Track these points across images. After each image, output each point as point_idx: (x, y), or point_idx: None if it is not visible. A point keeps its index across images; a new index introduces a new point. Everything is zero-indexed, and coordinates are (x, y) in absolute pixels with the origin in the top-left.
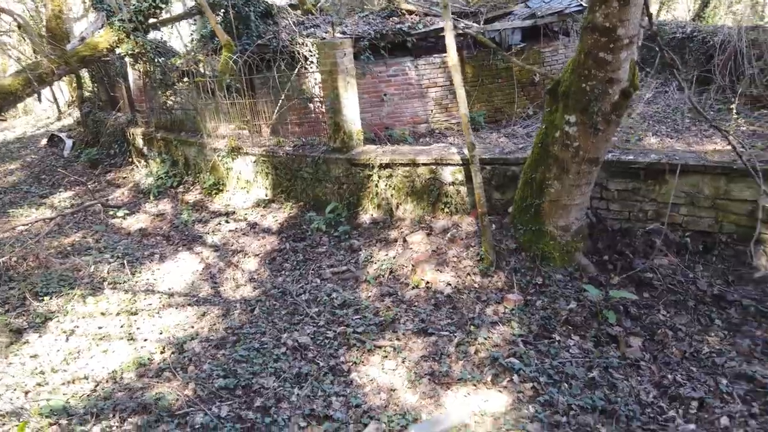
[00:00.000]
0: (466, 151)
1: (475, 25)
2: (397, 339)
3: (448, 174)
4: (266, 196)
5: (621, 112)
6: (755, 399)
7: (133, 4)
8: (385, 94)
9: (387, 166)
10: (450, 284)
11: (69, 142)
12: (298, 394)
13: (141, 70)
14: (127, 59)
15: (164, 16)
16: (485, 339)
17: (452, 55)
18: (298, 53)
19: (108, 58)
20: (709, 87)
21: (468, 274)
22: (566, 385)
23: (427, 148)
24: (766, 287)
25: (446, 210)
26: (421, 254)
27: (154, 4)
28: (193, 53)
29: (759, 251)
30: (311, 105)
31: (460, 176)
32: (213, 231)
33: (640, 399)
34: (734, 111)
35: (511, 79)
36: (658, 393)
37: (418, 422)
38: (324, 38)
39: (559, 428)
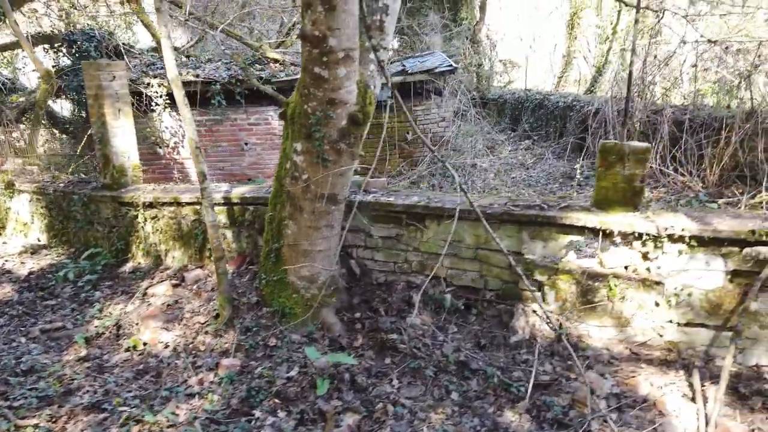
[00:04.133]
0: (239, 189)
1: None
2: (57, 416)
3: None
4: (39, 240)
5: (352, 141)
6: None
7: None
8: (246, 143)
9: (152, 205)
10: (169, 346)
11: None
12: None
13: None
14: None
15: None
16: (166, 417)
17: (170, 68)
18: (144, 94)
19: None
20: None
21: (197, 332)
22: None
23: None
24: (517, 353)
25: (212, 257)
26: (154, 309)
27: None
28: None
29: (518, 311)
30: (160, 150)
31: (224, 218)
32: None
33: None
34: (579, 168)
35: (380, 136)
36: None
37: None
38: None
39: None
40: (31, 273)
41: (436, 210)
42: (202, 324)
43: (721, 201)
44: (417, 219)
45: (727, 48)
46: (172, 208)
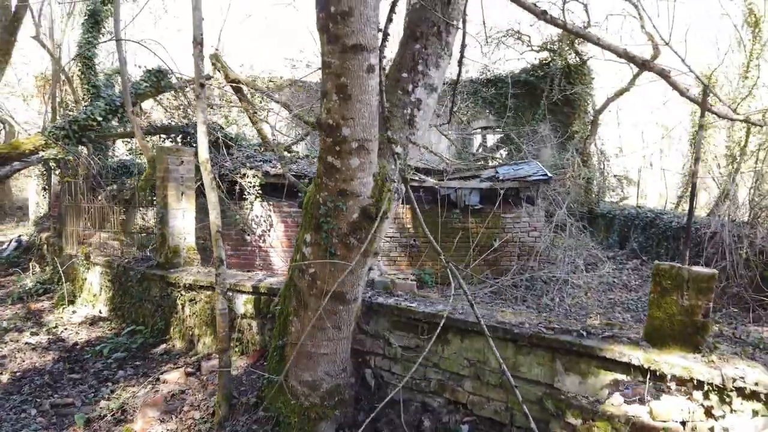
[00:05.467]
0: (270, 279)
1: (429, 179)
2: None
3: (241, 304)
4: (101, 312)
5: (363, 236)
6: None
7: (71, 114)
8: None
9: (191, 288)
10: None
11: (13, 245)
12: None
13: (60, 176)
14: (51, 164)
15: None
16: None
17: (201, 152)
18: (240, 183)
19: (28, 160)
20: None
21: (189, 429)
22: None
23: (244, 273)
24: None
25: (238, 348)
26: (158, 397)
27: (91, 117)
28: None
29: None
30: (248, 237)
31: (251, 308)
32: None
33: None
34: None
35: (467, 239)
36: None
37: None
38: (267, 171)
39: None
40: (76, 344)
41: (458, 322)
42: (196, 420)
43: None
44: (439, 331)
45: None
46: (208, 293)
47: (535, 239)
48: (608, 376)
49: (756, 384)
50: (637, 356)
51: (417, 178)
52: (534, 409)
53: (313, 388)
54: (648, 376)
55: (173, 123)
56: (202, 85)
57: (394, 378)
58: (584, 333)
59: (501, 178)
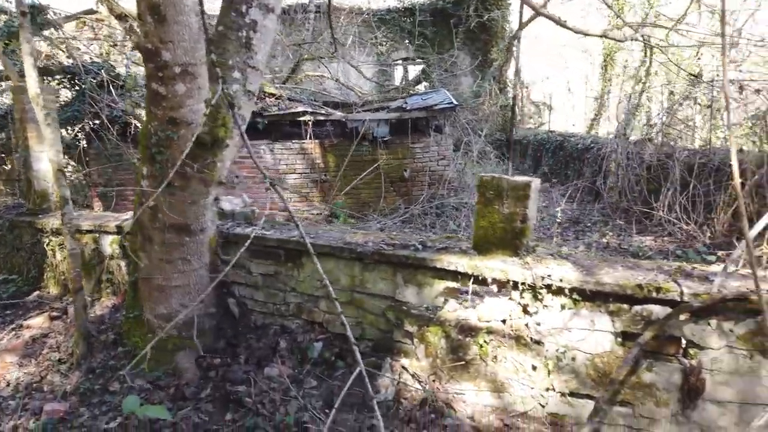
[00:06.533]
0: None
1: (336, 112)
2: None
3: (107, 245)
4: None
5: (202, 165)
6: None
7: None
8: (236, 176)
9: (59, 232)
10: (11, 384)
11: None
12: None
13: None
14: None
15: None
16: None
17: (31, 85)
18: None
19: None
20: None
21: (48, 371)
22: None
23: (114, 213)
24: (369, 417)
25: (109, 289)
26: (19, 342)
27: None
28: None
29: (385, 366)
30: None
31: (117, 248)
32: None
33: None
34: (559, 210)
35: (378, 172)
36: None
37: None
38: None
39: None
40: None
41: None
42: (54, 362)
43: (720, 253)
44: (294, 256)
45: (741, 88)
46: (77, 236)
47: (444, 167)
48: (441, 285)
49: (561, 280)
50: (462, 264)
51: (323, 111)
52: (381, 322)
53: (168, 320)
54: (471, 281)
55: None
56: (24, 14)
57: (258, 305)
58: (420, 247)
59: (408, 108)
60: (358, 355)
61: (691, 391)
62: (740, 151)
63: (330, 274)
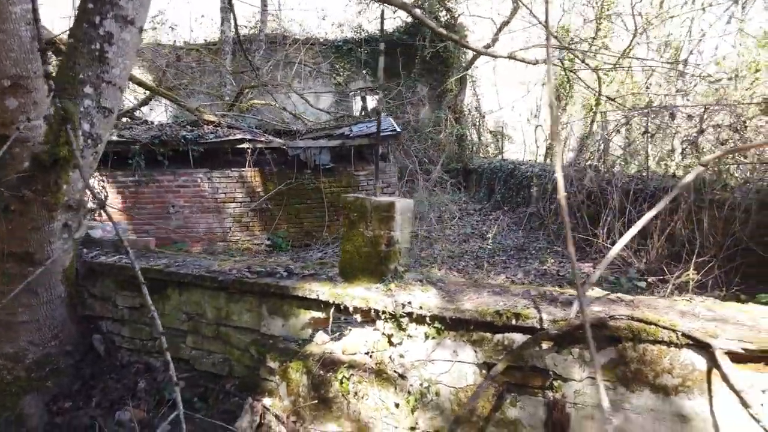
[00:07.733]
0: None
1: (277, 140)
2: None
3: None
4: None
5: (45, 189)
6: None
7: None
8: (172, 206)
9: None
10: None
11: None
12: None
13: None
14: None
15: None
16: None
17: None
18: None
19: None
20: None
21: None
22: None
23: None
24: None
25: None
26: None
27: None
28: None
29: (246, 407)
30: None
31: None
32: None
33: None
34: (491, 235)
35: (321, 200)
36: None
37: None
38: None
39: None
40: None
41: (175, 276)
42: None
43: (651, 279)
44: (159, 287)
45: (672, 114)
46: None
47: (389, 195)
48: (308, 315)
49: (420, 307)
50: (323, 291)
51: (263, 138)
52: (246, 357)
53: (16, 360)
54: (333, 310)
55: None
56: None
57: (125, 341)
58: (285, 274)
59: (352, 135)
60: (179, 397)
61: (555, 426)
62: (673, 176)
63: (197, 306)
